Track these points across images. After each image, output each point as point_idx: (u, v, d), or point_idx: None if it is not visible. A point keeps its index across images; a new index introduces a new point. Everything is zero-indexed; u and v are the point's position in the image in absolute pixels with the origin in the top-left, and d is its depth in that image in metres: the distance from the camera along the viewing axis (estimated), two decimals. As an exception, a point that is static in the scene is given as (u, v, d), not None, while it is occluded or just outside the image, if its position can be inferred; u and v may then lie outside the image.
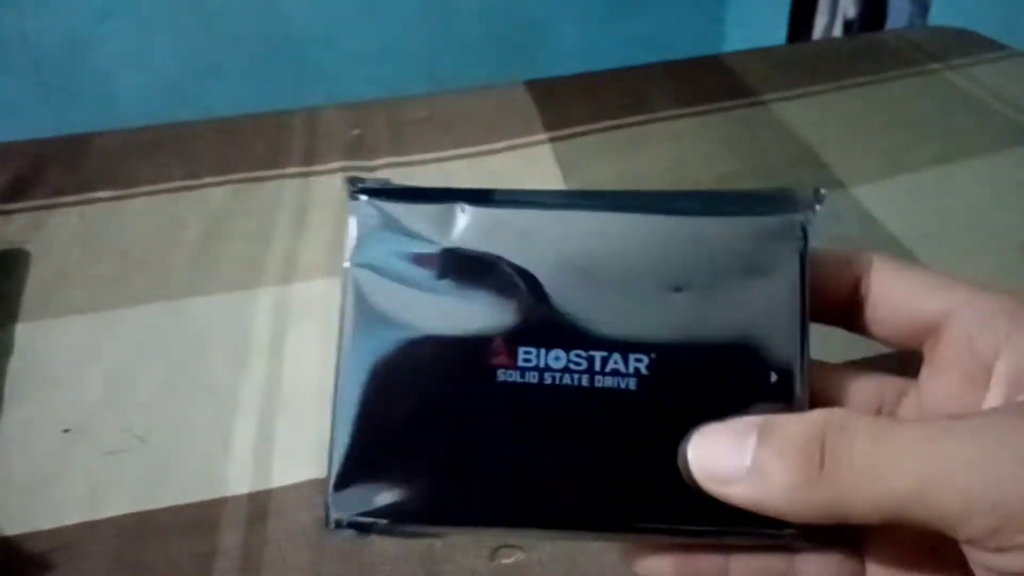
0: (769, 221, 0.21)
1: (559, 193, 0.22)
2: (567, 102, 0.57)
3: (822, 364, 0.22)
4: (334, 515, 0.20)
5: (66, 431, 0.34)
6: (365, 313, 0.21)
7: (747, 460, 0.18)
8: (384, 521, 0.20)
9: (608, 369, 0.21)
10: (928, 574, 0.20)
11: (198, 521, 0.31)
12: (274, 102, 0.61)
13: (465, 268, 0.21)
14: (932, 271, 0.21)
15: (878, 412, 0.21)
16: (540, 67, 0.63)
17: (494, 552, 0.29)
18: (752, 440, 0.19)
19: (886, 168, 0.49)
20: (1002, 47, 0.63)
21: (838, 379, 0.22)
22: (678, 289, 0.21)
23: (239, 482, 0.32)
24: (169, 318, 0.40)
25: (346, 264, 0.21)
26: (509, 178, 0.49)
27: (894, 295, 0.21)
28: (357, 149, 0.52)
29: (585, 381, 0.21)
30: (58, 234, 0.46)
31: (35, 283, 0.43)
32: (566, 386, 0.21)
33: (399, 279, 0.21)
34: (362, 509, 0.20)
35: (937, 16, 0.94)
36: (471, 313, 0.21)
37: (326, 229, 0.45)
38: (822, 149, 0.51)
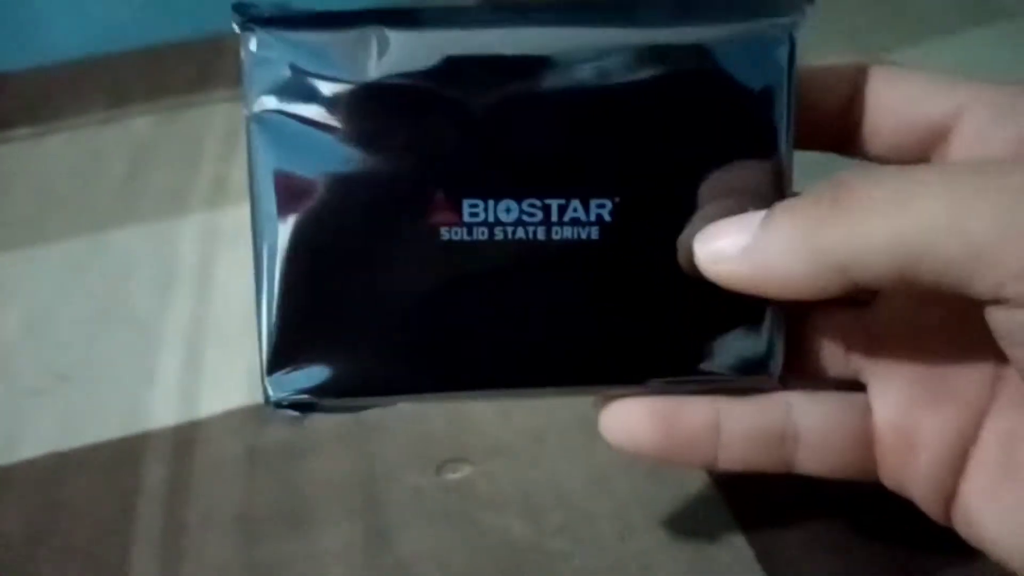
0: (750, 27, 0.18)
1: (498, 8, 0.18)
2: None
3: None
4: (273, 397, 0.19)
5: (-18, 374, 0.32)
6: (276, 171, 0.18)
7: (755, 225, 0.17)
8: (326, 398, 0.18)
9: (567, 218, 0.18)
10: (937, 410, 0.18)
11: (120, 457, 0.28)
12: (207, 28, 0.57)
13: (390, 107, 0.18)
14: (935, 73, 0.19)
15: None
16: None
17: (439, 468, 0.27)
18: (760, 214, 0.17)
19: (853, 51, 0.46)
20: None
21: None
22: (644, 116, 0.18)
23: (164, 415, 0.30)
24: (90, 252, 0.37)
25: (244, 112, 0.18)
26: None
27: (895, 101, 0.19)
28: (292, 69, 0.49)
29: (541, 234, 0.18)
30: (-26, 175, 0.43)
31: (-51, 227, 0.40)
32: (519, 240, 0.18)
33: (312, 125, 0.18)
34: (300, 386, 0.18)
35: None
36: (402, 162, 0.18)
37: (259, 151, 0.42)
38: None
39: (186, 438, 0.29)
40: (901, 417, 0.19)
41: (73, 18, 0.58)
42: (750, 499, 0.25)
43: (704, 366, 0.19)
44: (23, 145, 0.45)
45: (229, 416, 0.29)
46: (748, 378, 0.19)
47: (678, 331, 0.19)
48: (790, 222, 0.16)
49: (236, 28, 0.18)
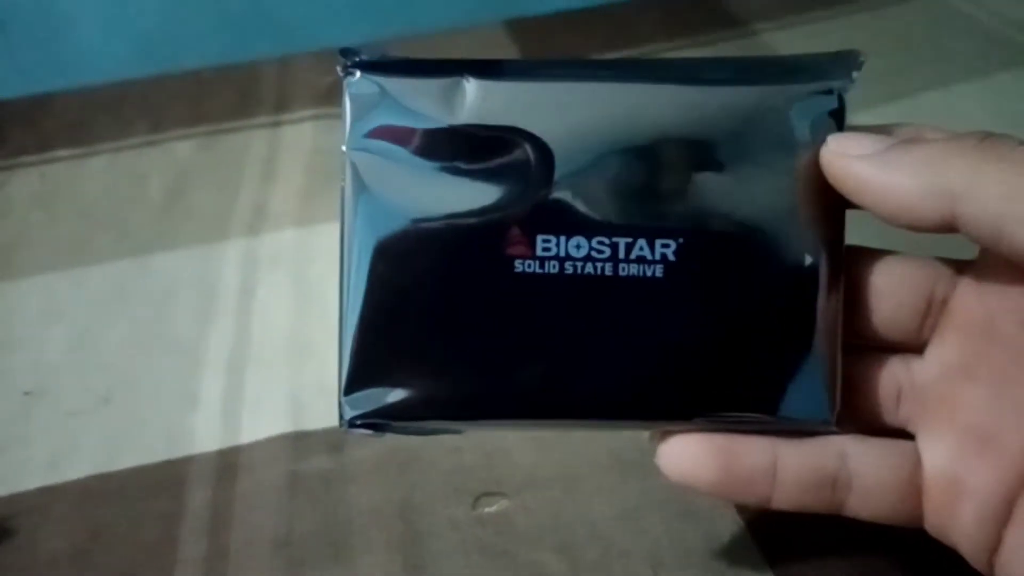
0: (803, 89, 0.20)
1: (576, 63, 0.21)
2: (548, 40, 0.55)
3: (862, 249, 0.21)
4: (348, 415, 0.20)
5: (27, 393, 0.33)
6: (367, 202, 0.20)
7: (888, 142, 0.18)
8: (398, 419, 0.20)
9: (633, 256, 0.19)
10: (984, 460, 0.19)
11: (164, 481, 0.29)
12: (245, 54, 0.58)
13: (474, 148, 0.19)
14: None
15: (929, 304, 0.20)
16: (522, 6, 0.60)
17: (476, 501, 0.28)
18: (903, 135, 0.19)
19: (883, 94, 0.47)
20: (1001, -34, 0.60)
21: (881, 265, 0.20)
22: (707, 166, 0.19)
23: (207, 439, 0.30)
24: (132, 275, 0.38)
25: (344, 148, 0.20)
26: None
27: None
28: (330, 96, 0.49)
29: (608, 270, 0.19)
30: (18, 195, 0.44)
31: (-6, 245, 0.41)
32: (588, 276, 0.19)
33: (402, 163, 0.19)
34: (374, 408, 0.20)
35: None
36: (483, 198, 0.19)
37: (296, 178, 0.43)
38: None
39: (228, 463, 0.29)
40: (948, 466, 0.20)
41: (113, 41, 0.60)
42: (779, 538, 0.25)
43: (764, 407, 0.20)
44: (66, 166, 0.46)
45: (270, 442, 0.30)
46: (806, 421, 0.20)
47: (739, 371, 0.20)
48: (928, 146, 0.18)
49: (340, 71, 0.20)
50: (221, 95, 0.51)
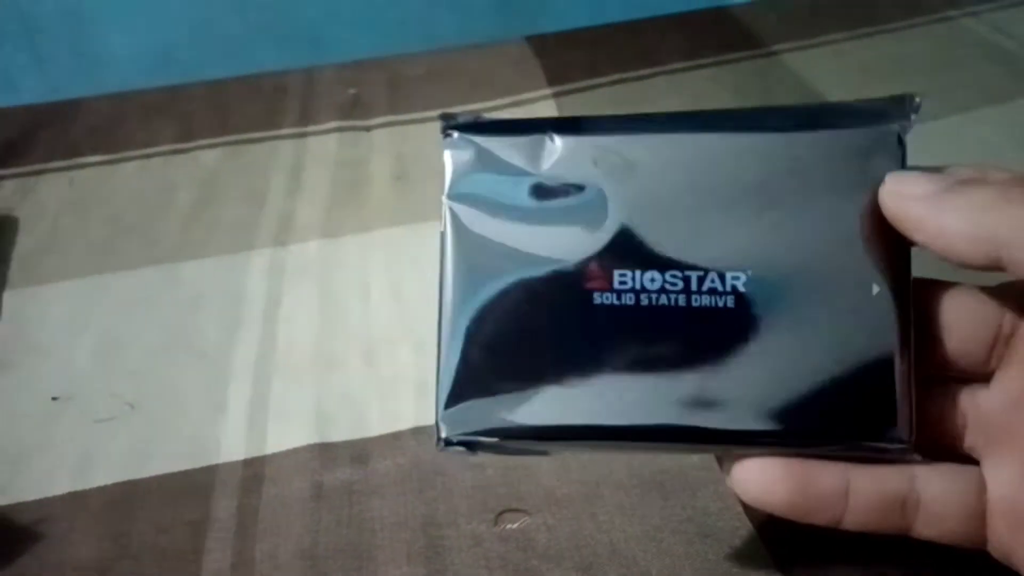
0: (864, 133, 0.21)
1: (646, 117, 0.22)
2: (571, 56, 0.55)
3: (932, 281, 0.21)
4: (444, 434, 0.22)
5: (55, 399, 0.33)
6: (464, 243, 0.22)
7: (948, 183, 0.19)
8: (491, 439, 0.21)
9: (705, 288, 0.21)
10: None
11: (190, 489, 0.29)
12: (270, 64, 0.59)
13: (558, 196, 0.22)
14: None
15: (996, 336, 0.21)
16: (541, 25, 0.61)
17: (498, 517, 0.28)
18: (961, 175, 0.20)
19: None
20: (1023, -8, 0.60)
21: (951, 297, 0.21)
22: (774, 206, 0.21)
23: (233, 448, 0.31)
24: (160, 282, 0.38)
25: (443, 198, 0.22)
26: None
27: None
28: (354, 108, 0.50)
29: (682, 301, 0.21)
30: (48, 200, 0.45)
31: (24, 250, 0.41)
32: (663, 307, 0.21)
33: (494, 209, 0.22)
34: (470, 428, 0.21)
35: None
36: (566, 239, 0.21)
37: (322, 190, 0.44)
38: (836, 100, 0.49)
39: (254, 473, 0.30)
40: (1012, 493, 0.20)
41: (141, 49, 0.60)
42: (797, 558, 0.26)
43: (844, 436, 0.21)
44: (96, 172, 0.47)
45: (295, 453, 0.30)
46: (887, 450, 0.21)
47: (818, 399, 0.21)
48: (979, 191, 0.19)
49: (440, 132, 0.23)
50: (247, 105, 0.52)
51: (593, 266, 0.21)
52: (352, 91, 0.51)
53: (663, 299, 0.21)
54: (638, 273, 0.21)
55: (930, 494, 0.21)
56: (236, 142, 0.48)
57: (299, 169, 0.45)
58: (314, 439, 0.31)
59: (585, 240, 0.21)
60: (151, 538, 0.28)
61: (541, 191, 0.22)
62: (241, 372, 0.34)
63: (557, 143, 0.22)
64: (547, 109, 0.49)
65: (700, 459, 0.29)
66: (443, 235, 0.22)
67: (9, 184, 0.46)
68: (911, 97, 0.21)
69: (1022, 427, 0.20)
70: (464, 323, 0.21)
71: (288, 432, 0.31)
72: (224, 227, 0.41)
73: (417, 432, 0.31)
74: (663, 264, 0.21)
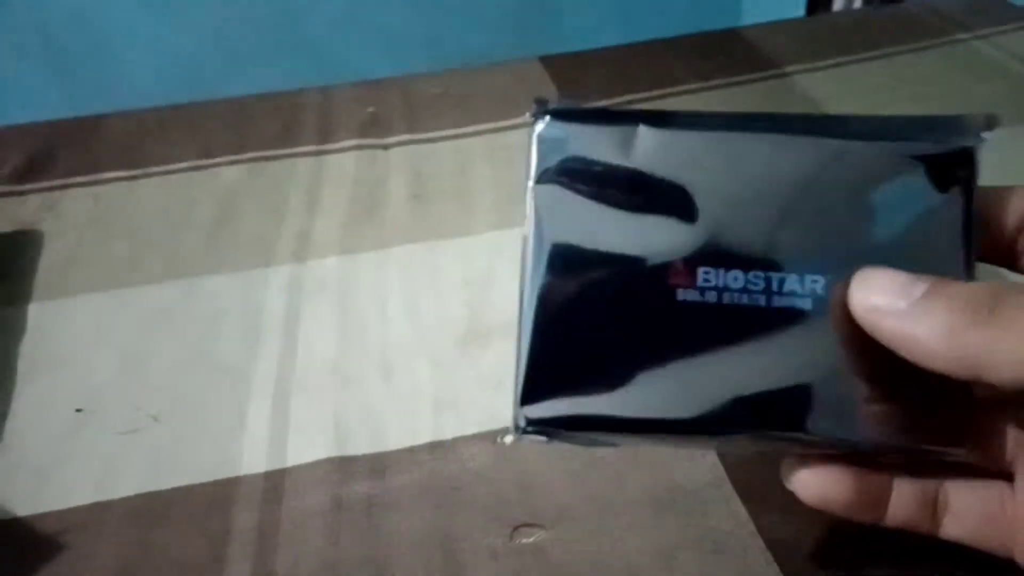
0: (938, 147, 0.21)
1: (737, 116, 0.22)
2: (584, 76, 0.56)
3: None
4: (522, 420, 0.22)
5: (78, 411, 0.34)
6: (547, 230, 0.22)
7: (914, 296, 0.19)
8: (568, 429, 0.21)
9: (785, 290, 0.21)
10: None
11: (211, 501, 0.30)
12: (288, 82, 0.60)
13: (646, 189, 0.22)
14: None
15: None
16: (555, 46, 0.62)
17: (514, 531, 0.28)
18: (922, 287, 0.19)
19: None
20: (1033, 15, 0.61)
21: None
22: (849, 212, 0.21)
23: (254, 461, 0.31)
24: (182, 297, 0.39)
25: (529, 183, 0.22)
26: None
27: None
28: (372, 126, 0.51)
29: (762, 301, 0.21)
30: (71, 215, 0.46)
31: (48, 263, 0.42)
32: (743, 306, 0.21)
33: (580, 198, 0.22)
34: (547, 415, 0.21)
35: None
36: (651, 233, 0.21)
37: (339, 207, 0.44)
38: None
39: (275, 485, 0.30)
40: None
41: (162, 67, 0.62)
42: (807, 574, 0.26)
43: (907, 437, 0.21)
44: (117, 187, 0.47)
45: (315, 466, 0.31)
46: (945, 451, 0.21)
47: (883, 399, 0.21)
48: (947, 310, 0.18)
49: (529, 116, 0.22)
50: (266, 123, 0.52)
51: (678, 262, 0.21)
52: (370, 110, 0.52)
53: (744, 299, 0.21)
54: (722, 272, 0.21)
55: (959, 498, 0.22)
56: (255, 159, 0.49)
57: (317, 186, 0.46)
58: (333, 452, 0.31)
59: (671, 236, 0.21)
60: (173, 549, 0.29)
61: (628, 182, 0.22)
62: (261, 386, 0.34)
63: (648, 135, 0.22)
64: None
65: (713, 477, 0.29)
66: (527, 221, 0.22)
67: (34, 199, 0.47)
68: (990, 115, 0.22)
69: None
70: (545, 311, 0.21)
71: (308, 445, 0.32)
72: (244, 243, 0.42)
73: (434, 447, 0.31)
74: (746, 264, 0.21)
